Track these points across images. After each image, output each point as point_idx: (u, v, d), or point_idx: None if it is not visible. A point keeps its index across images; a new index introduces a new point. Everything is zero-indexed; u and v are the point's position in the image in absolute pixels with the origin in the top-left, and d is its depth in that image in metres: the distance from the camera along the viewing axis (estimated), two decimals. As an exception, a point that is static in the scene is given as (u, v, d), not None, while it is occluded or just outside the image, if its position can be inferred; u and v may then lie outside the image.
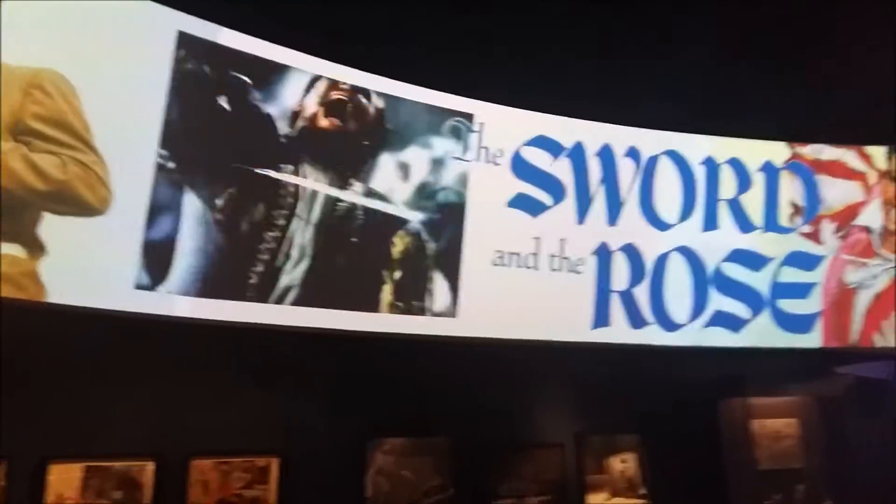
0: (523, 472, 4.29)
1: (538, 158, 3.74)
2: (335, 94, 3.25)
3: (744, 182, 3.96)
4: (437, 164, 3.49)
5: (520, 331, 3.60)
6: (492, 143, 3.66)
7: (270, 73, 3.06)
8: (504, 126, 3.72)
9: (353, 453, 3.74)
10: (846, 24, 3.83)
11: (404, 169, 3.39)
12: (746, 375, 4.31)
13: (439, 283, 3.42)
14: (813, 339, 3.94)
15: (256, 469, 3.61)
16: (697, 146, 3.97)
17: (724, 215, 3.93)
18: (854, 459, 4.44)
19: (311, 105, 3.18)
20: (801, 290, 3.93)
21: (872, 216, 4.03)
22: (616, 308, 3.72)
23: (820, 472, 4.36)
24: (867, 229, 4.01)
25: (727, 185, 3.95)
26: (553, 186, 3.74)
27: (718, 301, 3.86)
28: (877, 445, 4.56)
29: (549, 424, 4.38)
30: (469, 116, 3.60)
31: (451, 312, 3.43)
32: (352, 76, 3.31)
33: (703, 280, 3.85)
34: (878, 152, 4.09)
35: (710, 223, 3.91)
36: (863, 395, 4.51)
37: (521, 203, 3.67)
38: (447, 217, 3.47)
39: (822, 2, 3.78)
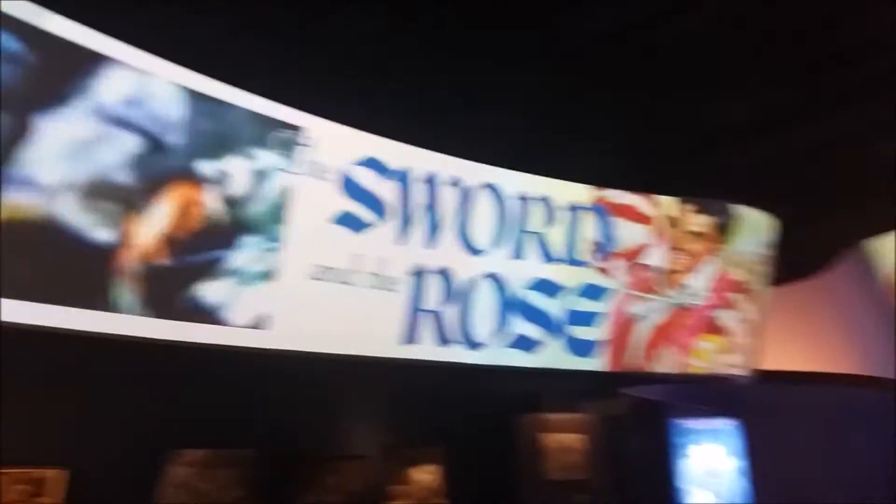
0: (328, 484, 4.37)
1: (366, 178, 3.84)
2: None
3: (551, 218, 4.33)
4: (260, 174, 3.47)
5: (331, 345, 3.67)
6: (322, 159, 3.71)
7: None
8: (336, 143, 3.78)
9: (148, 465, 3.60)
10: (659, 77, 4.31)
11: (223, 177, 3.34)
12: (540, 394, 4.70)
13: (252, 295, 3.40)
14: (597, 363, 4.38)
15: (34, 480, 3.37)
16: (514, 182, 4.28)
17: (531, 246, 4.27)
18: (632, 471, 4.99)
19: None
20: (591, 319, 4.37)
21: (657, 256, 4.57)
22: (425, 327, 3.90)
23: (602, 483, 4.85)
24: (651, 268, 4.54)
25: (536, 219, 4.30)
26: (377, 207, 3.86)
27: (519, 324, 4.19)
28: (651, 458, 5.15)
29: (356, 437, 4.49)
30: (298, 129, 3.62)
31: (264, 324, 3.42)
32: (172, 73, 3.21)
33: (507, 304, 4.16)
34: (668, 201, 4.65)
35: (518, 253, 4.23)
36: (641, 414, 5.09)
37: (345, 220, 3.75)
38: (266, 229, 3.46)
39: (636, 60, 4.24)
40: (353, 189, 3.77)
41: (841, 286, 5.67)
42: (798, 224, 4.78)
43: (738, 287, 4.73)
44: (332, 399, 4.19)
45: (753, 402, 5.45)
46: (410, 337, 3.88)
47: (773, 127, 4.84)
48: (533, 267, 4.28)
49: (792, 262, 4.98)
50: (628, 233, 4.51)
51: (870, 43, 4.16)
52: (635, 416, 5.00)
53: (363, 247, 3.77)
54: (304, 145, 3.62)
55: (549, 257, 4.32)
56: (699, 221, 4.64)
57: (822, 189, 5.65)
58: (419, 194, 3.98)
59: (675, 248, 4.59)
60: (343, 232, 3.73)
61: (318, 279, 3.59)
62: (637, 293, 4.48)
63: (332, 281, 3.66)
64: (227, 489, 4.11)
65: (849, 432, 5.71)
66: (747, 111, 4.69)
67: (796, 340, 5.28)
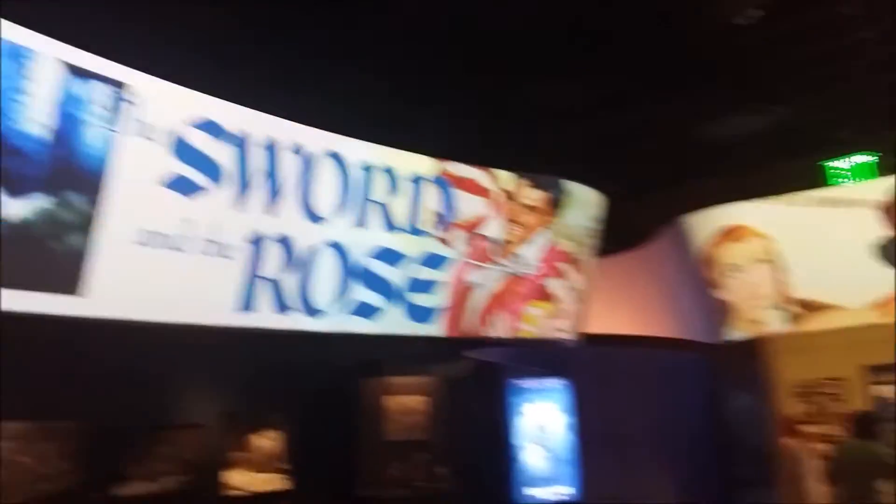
0: (161, 454, 4.28)
1: (201, 141, 3.73)
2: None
3: (394, 188, 4.43)
4: (76, 129, 3.25)
5: (162, 313, 3.57)
6: (152, 119, 3.55)
7: None
8: (168, 103, 3.62)
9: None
10: (501, 58, 4.47)
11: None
12: (383, 359, 4.83)
13: (69, 260, 3.23)
14: (437, 329, 4.57)
15: None
16: (358, 151, 4.32)
17: (374, 216, 4.35)
18: (471, 430, 5.26)
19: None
20: (431, 286, 4.54)
21: (494, 228, 4.81)
22: (263, 294, 3.89)
23: (442, 442, 5.08)
24: (488, 238, 4.77)
25: (380, 189, 4.38)
26: (213, 171, 3.76)
27: (360, 292, 4.28)
28: (489, 417, 5.45)
29: (191, 406, 4.42)
30: (122, 86, 3.42)
31: (80, 291, 3.26)
32: None
33: (349, 272, 4.23)
34: (505, 175, 4.88)
35: (361, 222, 4.30)
36: (479, 376, 5.37)
37: (176, 184, 3.63)
38: (84, 190, 3.28)
39: (482, 40, 4.38)
40: (185, 151, 3.64)
41: (661, 258, 6.23)
42: (623, 200, 5.18)
43: (567, 257, 5.09)
44: (165, 368, 4.09)
45: (581, 363, 5.91)
46: (247, 304, 3.86)
47: (603, 108, 5.20)
48: (375, 236, 4.36)
49: (617, 236, 5.40)
50: (468, 205, 4.70)
51: (696, 32, 4.56)
52: (474, 378, 5.28)
53: (196, 212, 3.68)
54: (130, 103, 3.44)
55: (391, 226, 4.42)
56: (533, 195, 4.91)
57: (645, 168, 6.16)
58: (258, 160, 3.92)
59: (511, 220, 4.85)
60: (174, 196, 3.61)
61: (144, 244, 3.46)
62: (475, 262, 4.70)
63: (162, 247, 3.54)
64: (50, 463, 3.93)
65: (665, 389, 6.35)
66: (580, 93, 5.01)
67: (620, 307, 5.77)
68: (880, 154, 6.02)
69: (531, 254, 4.92)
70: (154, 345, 3.79)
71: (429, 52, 4.43)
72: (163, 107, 3.60)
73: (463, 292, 4.68)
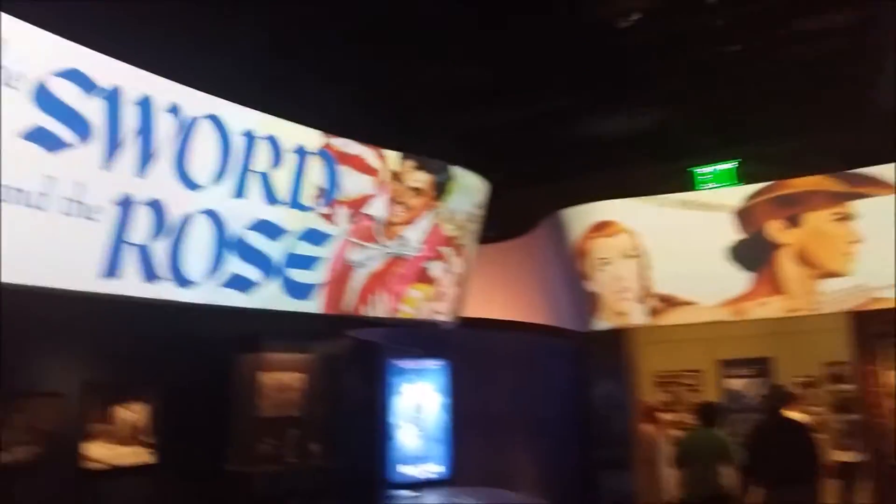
0: (14, 422, 4.02)
1: (66, 92, 3.50)
2: None
3: (277, 159, 4.34)
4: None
5: (19, 274, 3.33)
6: (14, 65, 3.30)
7: None
8: (32, 49, 3.38)
9: None
10: (395, 38, 4.47)
11: None
12: (260, 334, 4.74)
13: None
14: (315, 306, 4.54)
15: None
16: (240, 117, 4.20)
17: (254, 186, 4.25)
18: (348, 407, 5.26)
19: None
20: (310, 262, 4.50)
21: (378, 207, 4.83)
22: (130, 261, 3.72)
23: (314, 420, 5.06)
24: (373, 218, 4.79)
25: (261, 158, 4.28)
26: (79, 125, 3.54)
27: (236, 264, 4.17)
28: (367, 396, 5.47)
29: (52, 374, 4.17)
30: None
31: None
32: None
33: (224, 243, 4.12)
34: (393, 156, 4.91)
35: (240, 191, 4.19)
36: (358, 355, 5.39)
37: (38, 136, 3.39)
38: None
39: (378, 18, 4.36)
40: (48, 102, 3.41)
41: (538, 248, 6.50)
42: (505, 189, 5.35)
43: (449, 241, 5.20)
44: (22, 334, 3.81)
45: (458, 345, 6.07)
46: (112, 270, 3.67)
47: (491, 97, 5.34)
48: (255, 207, 4.27)
49: (497, 223, 5.57)
50: (353, 182, 4.69)
51: (580, 30, 4.76)
52: (351, 357, 5.29)
53: (60, 168, 3.45)
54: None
55: (272, 199, 4.34)
56: (419, 178, 4.98)
57: (528, 159, 6.39)
58: (131, 118, 3.73)
59: (396, 201, 4.89)
60: (35, 149, 3.38)
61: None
62: (357, 241, 4.70)
63: (19, 203, 3.30)
64: None
65: (536, 373, 6.64)
66: (469, 79, 5.11)
67: (497, 293, 5.97)
68: (740, 162, 6.55)
69: (414, 236, 4.98)
70: (11, 308, 3.53)
71: (321, 23, 4.37)
72: (27, 52, 3.35)
73: (343, 271, 4.68)
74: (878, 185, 5.34)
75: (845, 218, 5.44)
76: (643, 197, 6.17)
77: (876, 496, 5.94)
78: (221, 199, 4.11)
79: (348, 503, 4.68)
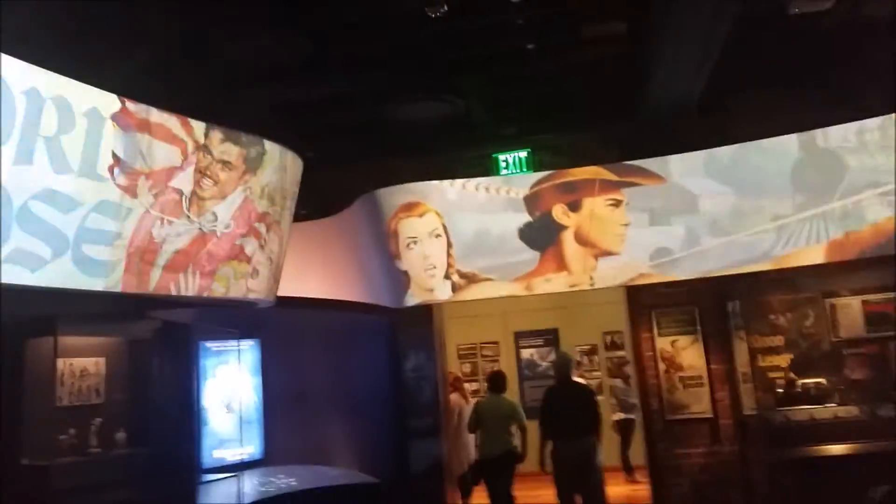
0: None
1: None
2: None
3: (67, 123, 3.94)
4: None
5: None
6: None
7: None
8: None
9: None
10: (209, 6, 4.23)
11: None
12: (54, 316, 4.29)
13: None
14: (113, 284, 4.20)
15: None
16: (23, 74, 3.74)
17: (41, 152, 3.83)
18: (155, 393, 4.95)
19: None
20: (108, 238, 4.15)
21: (185, 181, 4.57)
22: None
23: (118, 406, 4.71)
24: (179, 191, 4.53)
25: (49, 122, 3.86)
26: None
27: (20, 238, 3.73)
28: (176, 379, 5.18)
29: None
30: None
31: None
32: None
33: (7, 216, 3.67)
34: (199, 126, 4.66)
35: (25, 157, 3.75)
36: (166, 336, 5.08)
37: None
38: None
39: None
40: None
41: (351, 227, 6.59)
42: (320, 167, 5.35)
43: (263, 218, 5.08)
44: None
45: (272, 324, 5.97)
46: None
47: (305, 73, 5.31)
48: (42, 175, 3.83)
49: (312, 201, 5.56)
50: (156, 152, 4.39)
51: (396, 14, 4.88)
52: (159, 339, 4.98)
53: None
54: None
55: (62, 167, 3.93)
56: (230, 151, 4.79)
57: (343, 138, 6.45)
58: None
59: (205, 175, 4.67)
60: None
61: None
62: (161, 215, 4.43)
63: None
64: None
65: (350, 350, 6.75)
66: (286, 55, 5.04)
67: (311, 271, 5.96)
68: (531, 151, 7.18)
69: (225, 211, 4.80)
70: None
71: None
72: None
73: (146, 247, 4.37)
74: (646, 175, 6.13)
75: (617, 204, 6.17)
76: (449, 180, 6.51)
77: (648, 449, 6.89)
78: (3, 167, 3.64)
79: (159, 491, 4.42)
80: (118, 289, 4.24)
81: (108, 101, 4.16)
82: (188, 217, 4.62)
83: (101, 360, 4.66)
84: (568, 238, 6.33)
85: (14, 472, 3.95)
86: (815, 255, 5.63)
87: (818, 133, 5.57)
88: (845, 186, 5.49)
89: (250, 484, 4.86)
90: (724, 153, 5.90)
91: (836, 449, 5.75)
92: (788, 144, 5.75)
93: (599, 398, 7.48)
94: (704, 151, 5.87)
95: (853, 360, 6.37)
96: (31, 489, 3.96)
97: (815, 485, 5.67)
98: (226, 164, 4.78)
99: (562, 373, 6.89)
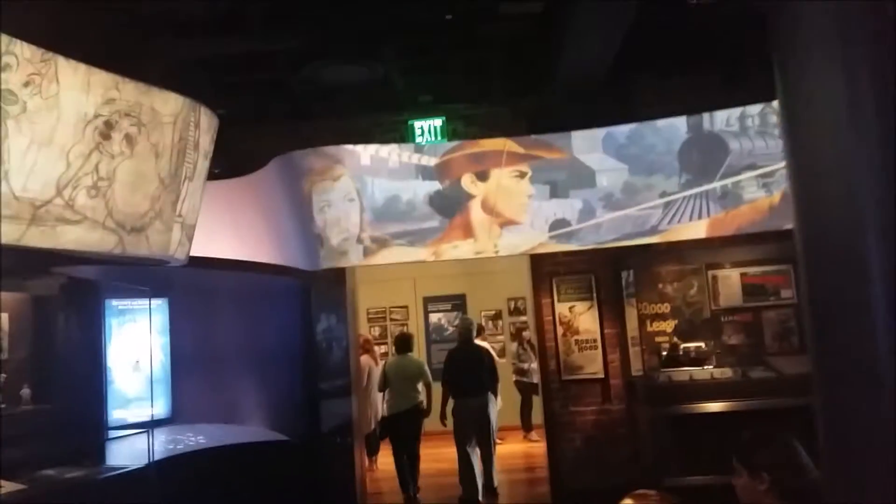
0: None
1: None
2: None
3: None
4: None
5: None
6: None
7: None
8: None
9: None
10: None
11: None
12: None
13: None
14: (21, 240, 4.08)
15: None
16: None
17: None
18: (60, 350, 4.85)
19: None
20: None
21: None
22: None
23: (22, 363, 4.60)
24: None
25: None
26: None
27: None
28: (82, 337, 5.08)
29: None
30: None
31: None
32: None
33: None
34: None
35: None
36: (71, 294, 4.97)
37: None
38: None
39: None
40: None
41: (267, 188, 6.57)
42: (235, 126, 5.29)
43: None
44: None
45: (183, 284, 5.93)
46: None
47: (222, 30, 5.24)
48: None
49: (226, 160, 5.52)
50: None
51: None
52: (66, 295, 4.86)
53: None
54: None
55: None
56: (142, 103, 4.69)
57: (259, 98, 6.40)
58: None
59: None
60: None
61: None
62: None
63: None
64: None
65: (263, 312, 6.79)
66: (201, 10, 4.96)
67: (224, 231, 5.93)
68: (445, 120, 7.38)
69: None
70: None
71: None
72: None
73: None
74: (550, 149, 6.47)
75: (522, 175, 6.48)
76: (363, 145, 6.59)
77: (545, 407, 7.36)
78: None
79: (66, 446, 4.39)
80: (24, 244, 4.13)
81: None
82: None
83: (4, 316, 4.53)
84: (475, 207, 6.57)
85: None
86: (698, 231, 6.17)
87: (706, 116, 6.06)
88: (726, 168, 6.03)
89: (158, 441, 4.88)
90: (622, 131, 6.31)
91: (713, 406, 6.34)
92: (678, 126, 6.23)
93: (502, 361, 7.90)
94: (604, 129, 6.26)
95: (730, 327, 7.04)
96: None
97: (692, 437, 6.27)
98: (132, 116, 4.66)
99: (463, 336, 7.32)
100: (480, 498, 7.09)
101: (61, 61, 3.61)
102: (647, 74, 6.88)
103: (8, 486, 3.85)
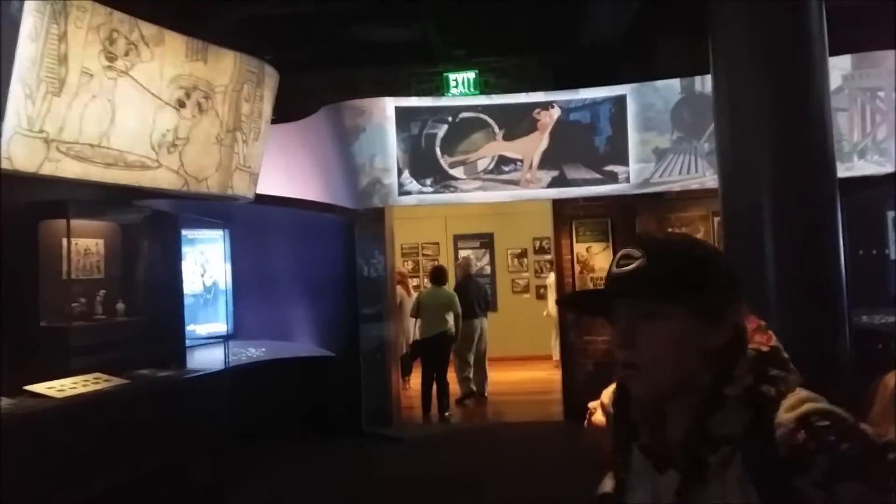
0: None
1: None
2: None
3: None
4: None
5: None
6: None
7: None
8: None
9: None
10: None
11: None
12: (65, 202, 4.93)
13: None
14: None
15: None
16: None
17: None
18: (145, 271, 5.73)
19: None
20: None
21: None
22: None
23: (116, 282, 5.48)
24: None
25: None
26: None
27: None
28: (161, 260, 5.90)
29: None
30: None
31: None
32: None
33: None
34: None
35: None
36: (152, 223, 5.81)
37: None
38: None
39: None
40: None
41: (316, 134, 7.32)
42: (286, 75, 5.98)
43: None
44: None
45: (241, 217, 6.79)
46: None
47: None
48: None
49: (282, 107, 6.22)
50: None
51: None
52: (147, 225, 5.71)
53: None
54: None
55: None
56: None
57: (307, 52, 7.07)
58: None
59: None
60: None
61: None
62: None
63: None
64: None
65: (311, 244, 7.66)
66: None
67: (278, 172, 6.72)
68: (479, 72, 7.96)
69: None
70: None
71: None
72: None
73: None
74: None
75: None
76: (402, 96, 7.28)
77: (562, 337, 8.21)
78: None
79: (155, 351, 5.33)
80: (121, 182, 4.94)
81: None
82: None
83: (101, 242, 5.38)
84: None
85: (37, 332, 4.76)
86: (687, 185, 6.85)
87: (698, 78, 6.53)
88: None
89: (222, 353, 5.79)
90: (623, 90, 6.92)
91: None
92: (675, 86, 6.75)
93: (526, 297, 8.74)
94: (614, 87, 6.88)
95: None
96: (53, 346, 4.79)
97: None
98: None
99: (464, 271, 8.73)
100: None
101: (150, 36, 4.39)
102: (668, 35, 7.30)
103: (114, 381, 4.79)
